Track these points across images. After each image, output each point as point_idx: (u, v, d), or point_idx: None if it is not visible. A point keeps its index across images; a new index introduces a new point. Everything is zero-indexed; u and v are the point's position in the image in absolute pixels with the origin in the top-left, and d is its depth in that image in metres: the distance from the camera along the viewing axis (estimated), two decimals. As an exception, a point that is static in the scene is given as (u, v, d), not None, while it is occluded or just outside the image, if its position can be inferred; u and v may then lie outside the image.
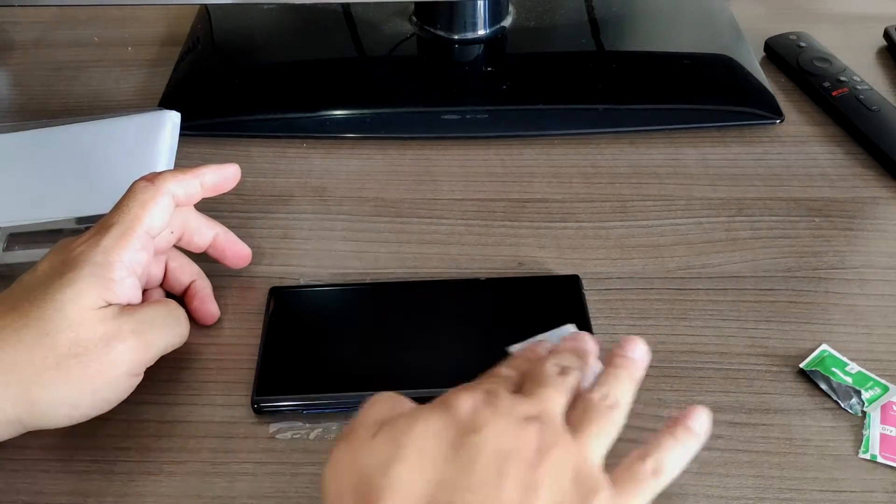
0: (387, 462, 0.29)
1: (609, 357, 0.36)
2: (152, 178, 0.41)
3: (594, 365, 0.36)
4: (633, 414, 0.40)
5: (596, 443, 0.31)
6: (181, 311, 0.41)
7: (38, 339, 0.35)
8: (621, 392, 0.34)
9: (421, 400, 0.33)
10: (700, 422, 0.33)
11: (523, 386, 0.34)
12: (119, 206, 0.40)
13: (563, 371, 0.34)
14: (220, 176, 0.44)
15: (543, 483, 0.29)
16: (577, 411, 0.32)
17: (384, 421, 0.31)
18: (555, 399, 0.32)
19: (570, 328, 0.40)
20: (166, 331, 0.40)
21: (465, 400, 0.31)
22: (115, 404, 0.38)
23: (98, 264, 0.37)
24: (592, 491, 0.29)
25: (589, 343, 0.37)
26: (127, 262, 0.38)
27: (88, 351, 0.36)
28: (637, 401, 0.40)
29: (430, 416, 0.31)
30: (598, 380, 0.34)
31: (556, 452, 0.30)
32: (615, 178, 0.53)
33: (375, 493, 0.29)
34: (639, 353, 0.36)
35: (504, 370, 0.35)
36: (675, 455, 0.32)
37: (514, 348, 0.38)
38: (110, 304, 0.37)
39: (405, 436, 0.30)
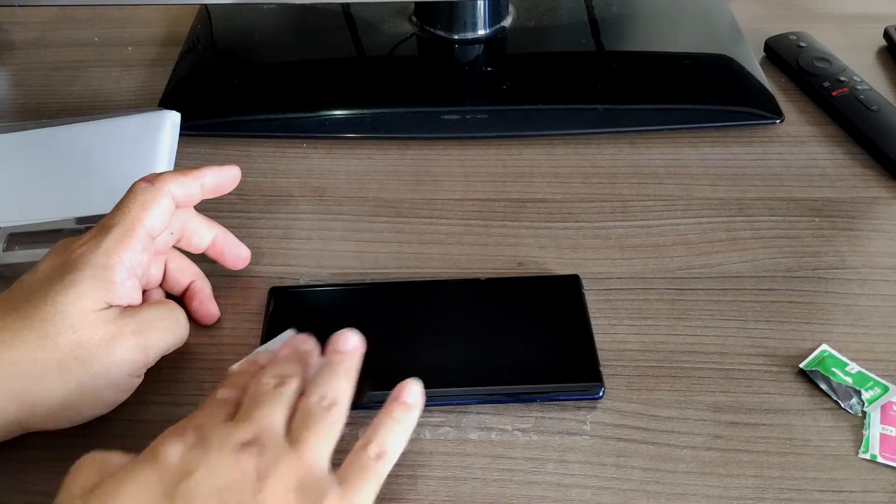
0: None
1: (324, 355, 0.36)
2: (152, 179, 0.41)
3: (317, 363, 0.36)
4: (634, 414, 0.40)
5: (318, 447, 0.32)
6: (181, 312, 0.41)
7: (39, 341, 0.35)
8: (337, 388, 0.34)
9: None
10: (412, 394, 0.35)
11: (241, 407, 0.33)
12: (119, 208, 0.40)
13: (281, 381, 0.34)
14: (221, 177, 0.44)
15: None
16: (297, 420, 0.33)
17: (92, 488, 0.30)
18: (272, 415, 0.32)
19: (291, 332, 0.40)
20: (167, 332, 0.40)
21: (172, 446, 0.31)
22: (115, 405, 0.38)
23: (99, 266, 0.37)
24: (320, 496, 0.30)
25: (307, 343, 0.37)
26: (128, 263, 0.38)
27: (90, 353, 0.36)
28: (637, 401, 0.41)
29: (137, 474, 0.30)
30: (314, 381, 0.35)
31: (277, 470, 0.30)
32: (615, 178, 0.53)
33: None
34: (350, 345, 0.37)
35: (221, 393, 0.35)
36: (396, 434, 0.34)
37: (234, 368, 0.37)
38: (111, 306, 0.37)
39: (114, 501, 0.29)
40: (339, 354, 0.36)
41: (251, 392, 0.34)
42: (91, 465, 0.31)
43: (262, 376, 0.35)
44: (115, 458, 0.32)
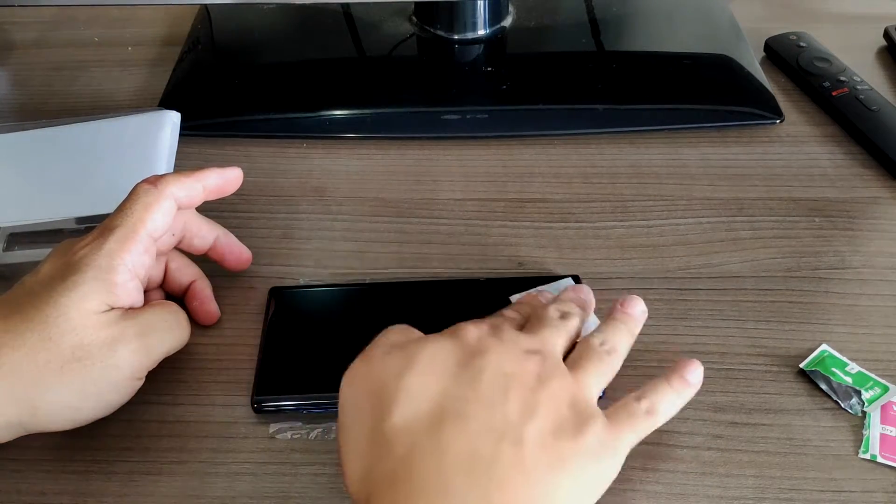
0: (400, 372, 0.32)
1: (610, 312, 0.39)
2: (154, 180, 0.41)
3: (592, 318, 0.39)
4: (634, 414, 0.40)
5: (592, 380, 0.34)
6: (182, 315, 0.41)
7: (41, 343, 0.35)
8: (619, 340, 0.36)
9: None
10: (694, 373, 0.36)
11: (525, 327, 0.36)
12: (121, 209, 0.40)
13: (564, 316, 0.37)
14: (223, 179, 0.44)
15: (542, 405, 0.32)
16: (576, 353, 0.35)
17: (398, 344, 0.34)
18: (555, 339, 0.35)
19: (569, 281, 0.43)
20: (168, 334, 0.40)
21: (472, 330, 0.35)
22: (116, 407, 0.38)
23: (101, 268, 0.37)
24: (588, 418, 0.32)
25: (588, 295, 0.40)
26: (130, 265, 0.38)
27: (91, 355, 0.36)
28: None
29: (440, 340, 0.34)
30: (598, 328, 0.37)
31: (554, 382, 0.33)
32: (615, 178, 0.53)
33: (389, 397, 0.32)
34: (638, 311, 0.39)
35: (508, 313, 0.38)
36: (669, 400, 0.35)
37: (516, 297, 0.41)
38: (113, 308, 0.37)
39: (418, 353, 0.33)
40: (626, 315, 0.38)
41: (537, 316, 0.37)
42: (400, 331, 0.36)
43: (548, 307, 0.38)
44: (418, 332, 0.36)
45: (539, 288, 0.42)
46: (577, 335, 0.37)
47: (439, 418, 0.31)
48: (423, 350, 0.33)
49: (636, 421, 0.34)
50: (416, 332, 0.36)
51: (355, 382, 0.34)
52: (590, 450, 0.31)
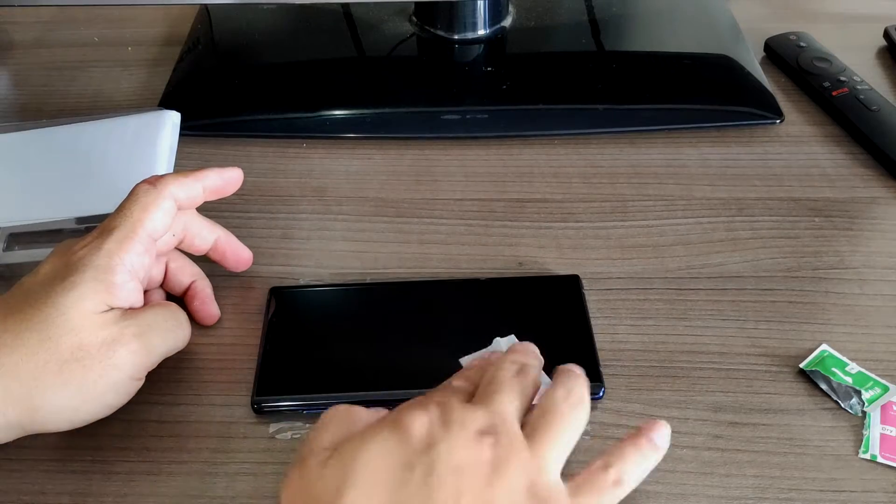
0: (338, 489, 0.29)
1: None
2: (154, 181, 0.41)
3: (543, 376, 0.35)
4: (634, 415, 0.40)
5: (554, 449, 0.31)
6: (183, 315, 0.41)
7: (40, 344, 0.35)
8: (584, 391, 0.33)
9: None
10: (662, 435, 0.33)
11: (478, 391, 0.33)
12: (121, 210, 0.40)
13: (521, 369, 0.34)
14: (223, 179, 0.44)
15: (499, 501, 0.29)
16: (537, 413, 0.32)
17: (335, 445, 0.31)
18: (510, 404, 0.32)
19: (513, 338, 0.39)
20: (168, 334, 0.40)
21: (418, 417, 0.31)
22: (116, 408, 0.38)
23: (100, 268, 0.37)
24: None
25: (537, 350, 0.37)
26: (129, 265, 0.38)
27: (91, 355, 0.36)
28: (637, 401, 0.41)
29: (381, 438, 0.30)
30: (557, 380, 0.34)
31: (511, 467, 0.30)
32: (615, 178, 0.53)
33: None
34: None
35: (456, 382, 0.34)
36: (638, 466, 0.32)
37: (466, 360, 0.38)
38: (112, 308, 0.37)
39: (356, 461, 0.29)
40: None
41: (489, 376, 0.33)
42: (339, 421, 0.32)
43: (502, 363, 0.34)
44: (362, 413, 0.32)
45: (482, 351, 0.38)
46: (536, 390, 0.34)
47: None
48: (362, 455, 0.30)
49: (603, 495, 0.31)
50: (356, 419, 0.32)
51: (292, 498, 0.30)
52: None
